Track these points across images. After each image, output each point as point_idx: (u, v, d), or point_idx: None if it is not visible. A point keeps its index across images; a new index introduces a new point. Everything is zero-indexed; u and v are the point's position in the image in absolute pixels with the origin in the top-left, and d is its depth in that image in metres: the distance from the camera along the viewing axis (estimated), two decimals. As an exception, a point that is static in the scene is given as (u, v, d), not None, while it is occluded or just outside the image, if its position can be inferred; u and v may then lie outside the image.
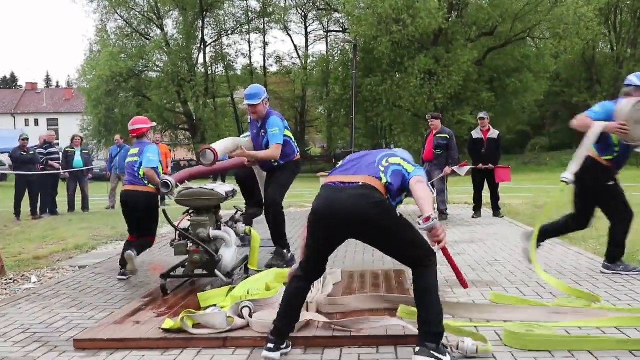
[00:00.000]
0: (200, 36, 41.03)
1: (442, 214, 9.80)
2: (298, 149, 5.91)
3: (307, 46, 44.88)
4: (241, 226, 5.23)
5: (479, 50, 31.50)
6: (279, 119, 5.53)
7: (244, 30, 43.25)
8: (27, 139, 11.67)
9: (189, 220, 4.82)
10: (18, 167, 11.37)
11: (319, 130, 47.92)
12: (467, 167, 10.09)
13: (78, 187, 12.98)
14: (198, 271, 4.80)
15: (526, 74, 32.02)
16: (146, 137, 5.59)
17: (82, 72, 39.65)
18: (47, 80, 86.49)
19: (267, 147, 5.42)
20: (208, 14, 40.90)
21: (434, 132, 9.82)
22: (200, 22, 40.53)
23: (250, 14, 42.24)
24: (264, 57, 45.18)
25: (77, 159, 13.04)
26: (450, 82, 29.10)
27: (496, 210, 9.85)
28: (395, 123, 32.76)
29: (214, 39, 42.68)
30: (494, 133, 9.77)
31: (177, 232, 4.79)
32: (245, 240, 9.37)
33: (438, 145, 9.70)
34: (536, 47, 34.02)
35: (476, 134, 9.87)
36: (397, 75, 30.88)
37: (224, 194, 4.77)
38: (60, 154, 13.07)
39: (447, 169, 9.69)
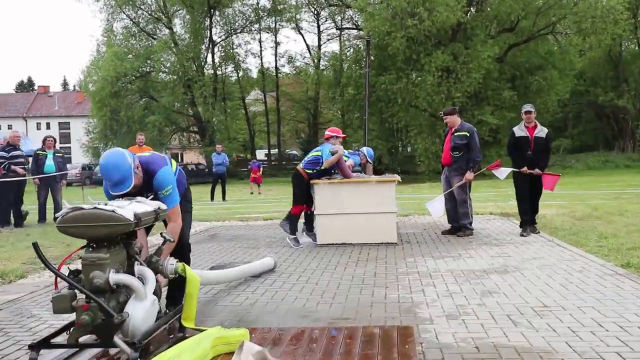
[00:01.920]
0: (208, 35, 39.61)
1: (466, 229, 8.06)
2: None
3: (319, 45, 43.26)
4: (171, 263, 3.55)
5: (500, 46, 29.56)
6: (167, 172, 3.89)
7: (253, 29, 41.82)
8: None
9: (80, 258, 3.16)
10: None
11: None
12: (507, 170, 8.30)
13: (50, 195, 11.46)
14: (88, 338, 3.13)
15: (550, 71, 30.12)
16: None
17: (88, 73, 38.41)
18: (64, 84, 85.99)
19: None
20: (216, 12, 39.46)
21: (452, 130, 8.12)
22: (208, 20, 39.09)
23: (260, 12, 40.71)
24: (276, 57, 43.65)
25: (49, 163, 11.53)
26: (469, 80, 27.23)
27: (532, 225, 8.03)
28: (411, 124, 30.95)
29: (222, 38, 41.23)
30: (541, 131, 7.87)
31: (56, 277, 3.14)
32: (308, 237, 8.00)
33: (456, 145, 8.01)
34: (558, 46, 32.07)
35: (520, 131, 7.95)
36: (413, 73, 29.08)
37: (131, 219, 3.10)
38: (27, 158, 11.55)
39: (469, 175, 7.97)
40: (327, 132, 8.26)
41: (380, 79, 29.18)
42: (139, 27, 39.58)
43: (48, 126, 61.68)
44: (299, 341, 3.45)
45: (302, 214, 8.23)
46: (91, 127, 39.93)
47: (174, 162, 4.17)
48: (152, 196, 3.67)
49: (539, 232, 7.97)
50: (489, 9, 30.67)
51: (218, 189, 18.63)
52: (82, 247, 3.22)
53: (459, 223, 8.22)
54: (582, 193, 15.36)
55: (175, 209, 3.92)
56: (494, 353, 3.31)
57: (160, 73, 39.52)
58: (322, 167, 7.82)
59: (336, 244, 7.67)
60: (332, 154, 7.70)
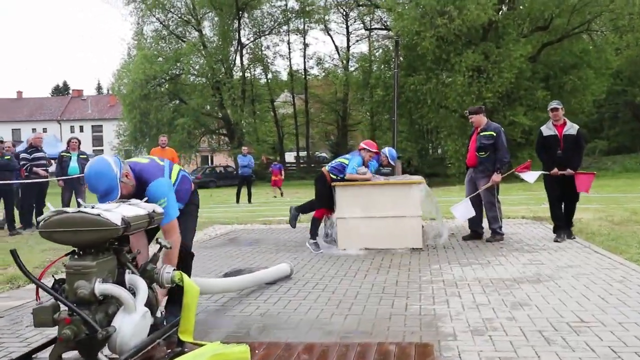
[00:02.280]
0: (237, 37, 39.63)
1: (496, 234, 7.64)
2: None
3: (348, 47, 42.95)
4: (167, 272, 3.26)
5: (533, 45, 28.77)
6: (162, 183, 3.59)
7: (282, 31, 41.71)
8: (2, 142, 10.08)
9: (65, 266, 2.89)
10: (-9, 174, 9.78)
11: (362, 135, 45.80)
12: (536, 173, 7.85)
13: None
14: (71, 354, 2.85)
15: (585, 71, 29.19)
16: None
17: (118, 76, 38.79)
18: (98, 88, 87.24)
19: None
20: (244, 14, 39.46)
21: (478, 129, 7.71)
22: (236, 22, 39.10)
23: (288, 13, 40.58)
24: (304, 58, 43.46)
25: (74, 165, 11.40)
26: (501, 80, 26.54)
27: (567, 229, 7.55)
28: (441, 125, 30.37)
29: (251, 40, 41.23)
30: (571, 128, 7.36)
31: (38, 288, 2.88)
32: (329, 238, 7.70)
33: (482, 146, 7.61)
34: (594, 44, 31.11)
35: (547, 130, 7.47)
36: (443, 73, 28.52)
37: (118, 223, 2.81)
38: (50, 160, 11.48)
39: (496, 176, 7.55)
40: (361, 144, 7.98)
41: (409, 79, 28.69)
42: (169, 30, 39.86)
43: (81, 129, 62.58)
44: (305, 358, 3.12)
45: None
46: (122, 130, 40.32)
47: (175, 168, 3.88)
48: (146, 199, 3.39)
49: (574, 238, 7.50)
50: (521, 7, 29.94)
51: (244, 191, 18.40)
52: (67, 254, 2.95)
53: (481, 228, 7.82)
54: (619, 196, 14.68)
55: (172, 224, 3.61)
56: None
57: (190, 75, 39.67)
58: (344, 177, 7.54)
59: (358, 249, 7.32)
60: (359, 172, 7.51)
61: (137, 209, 3.12)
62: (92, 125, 64.29)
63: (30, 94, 72.24)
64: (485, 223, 7.96)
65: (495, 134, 7.58)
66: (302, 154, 48.69)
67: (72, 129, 63.15)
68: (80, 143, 12.48)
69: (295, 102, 45.35)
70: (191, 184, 4.07)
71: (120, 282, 3.03)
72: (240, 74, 40.26)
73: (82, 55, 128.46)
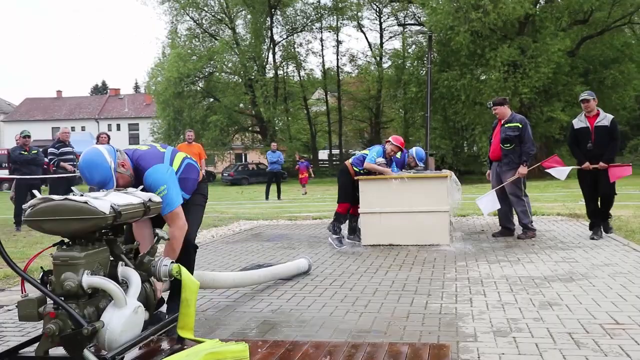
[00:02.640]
0: (269, 35, 39.62)
1: (528, 229, 7.28)
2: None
3: (381, 43, 42.47)
4: (164, 264, 3.06)
5: (571, 39, 27.90)
6: (158, 170, 3.38)
7: (314, 28, 41.48)
8: (29, 137, 10.11)
9: (52, 256, 2.72)
10: (18, 169, 9.81)
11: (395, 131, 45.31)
12: (566, 168, 7.48)
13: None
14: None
15: (627, 65, 28.20)
16: None
17: (152, 75, 39.17)
18: (136, 87, 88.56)
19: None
20: (277, 11, 39.42)
21: (502, 121, 7.38)
22: (269, 20, 39.09)
23: (320, 10, 40.35)
24: (337, 55, 43.14)
25: (101, 160, 11.41)
26: (538, 75, 25.80)
27: (604, 222, 7.12)
28: (475, 122, 29.71)
29: (283, 38, 41.17)
30: (605, 119, 6.92)
31: (23, 280, 2.71)
32: (355, 235, 7.41)
33: (507, 137, 7.30)
34: (636, 37, 30.03)
35: (579, 122, 7.08)
36: (477, 68, 27.91)
37: (106, 211, 2.63)
38: (78, 155, 11.48)
39: (522, 169, 7.21)
40: (390, 138, 7.79)
41: (443, 75, 28.19)
42: (202, 28, 40.09)
43: (118, 127, 63.56)
44: (309, 358, 2.90)
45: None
46: (156, 128, 40.71)
47: (179, 156, 3.65)
48: (142, 187, 3.20)
49: (612, 231, 7.10)
50: (559, 0, 29.09)
51: (274, 188, 18.26)
52: (55, 244, 2.79)
53: (512, 224, 7.48)
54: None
55: (175, 212, 3.40)
56: None
57: (222, 73, 39.82)
58: (362, 170, 7.30)
59: (382, 245, 7.07)
60: (378, 162, 7.24)
61: (130, 197, 2.93)
62: (129, 124, 65.18)
63: (70, 93, 73.73)
64: (516, 219, 7.60)
65: (521, 126, 7.27)
66: (335, 151, 48.44)
67: (109, 127, 64.15)
68: (109, 138, 12.50)
69: (328, 100, 45.12)
70: (199, 173, 3.84)
71: (113, 274, 2.85)
72: (273, 71, 40.23)
73: (121, 55, 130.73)
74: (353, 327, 3.69)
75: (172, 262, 3.09)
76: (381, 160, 7.30)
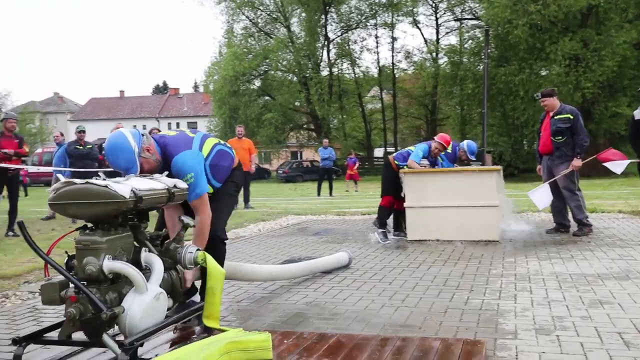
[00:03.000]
0: (323, 33, 39.62)
1: (584, 225, 6.93)
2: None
3: (437, 39, 41.75)
4: (190, 251, 3.00)
5: (638, 30, 26.61)
6: (187, 156, 3.29)
7: (369, 25, 41.19)
8: (84, 132, 10.38)
9: (76, 242, 2.70)
10: (73, 164, 10.08)
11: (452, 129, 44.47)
12: (624, 162, 7.11)
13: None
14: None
15: (701, 56, 26.67)
16: None
17: (209, 74, 39.86)
18: (195, 86, 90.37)
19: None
20: (331, 9, 39.36)
21: (550, 113, 7.07)
22: (323, 18, 39.08)
23: (375, 7, 40.02)
24: (392, 52, 42.74)
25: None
26: (601, 69, 24.73)
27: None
28: (535, 118, 28.70)
29: (338, 35, 41.06)
30: None
31: (46, 264, 2.70)
32: (400, 230, 7.27)
33: (558, 130, 6.98)
34: None
35: (639, 113, 6.78)
36: (537, 63, 27.00)
37: (126, 195, 2.59)
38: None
39: (576, 162, 6.86)
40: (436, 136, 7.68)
41: (500, 70, 27.42)
42: (257, 27, 40.48)
43: (178, 125, 65.07)
44: (336, 351, 2.79)
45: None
46: (212, 126, 41.41)
47: (210, 141, 3.56)
48: (167, 172, 3.16)
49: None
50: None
51: (326, 185, 18.21)
52: (78, 229, 2.77)
53: (567, 220, 7.13)
54: None
55: (201, 200, 3.32)
56: None
57: (277, 72, 40.08)
58: (404, 165, 7.16)
59: (428, 240, 6.87)
60: (421, 164, 7.18)
61: (153, 182, 2.88)
62: (188, 122, 66.63)
63: (133, 93, 75.93)
64: (570, 215, 7.25)
65: (572, 117, 6.94)
66: (391, 149, 47.99)
67: (169, 126, 65.84)
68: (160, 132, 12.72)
69: (384, 97, 44.75)
70: (232, 160, 3.74)
71: (136, 260, 2.81)
72: (327, 69, 40.22)
73: (181, 55, 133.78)
74: (387, 321, 3.55)
75: (197, 250, 3.03)
76: (425, 162, 7.16)
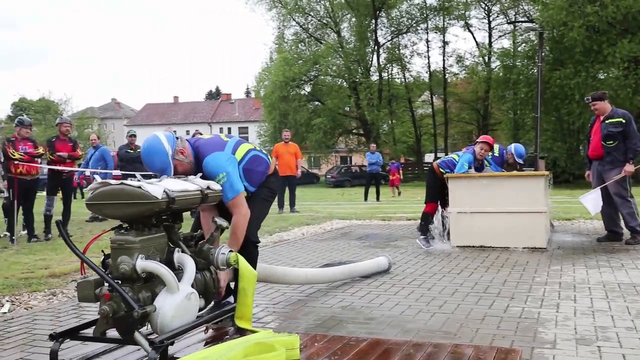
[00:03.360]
0: (373, 37, 39.54)
1: (637, 233, 6.67)
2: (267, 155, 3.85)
3: (490, 42, 41.02)
4: (222, 253, 3.04)
5: (702, 31, 25.49)
6: (217, 158, 3.35)
7: (420, 29, 40.83)
8: (135, 136, 10.67)
9: (111, 241, 2.77)
10: (124, 166, 10.38)
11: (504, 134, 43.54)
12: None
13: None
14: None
15: None
16: None
17: (259, 79, 40.38)
18: (247, 92, 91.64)
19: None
20: (382, 13, 39.24)
21: (601, 118, 6.84)
22: (374, 22, 39.01)
23: (426, 11, 39.67)
24: (443, 56, 42.19)
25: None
26: (663, 72, 23.81)
27: None
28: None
29: (388, 40, 40.90)
30: None
31: (82, 262, 2.78)
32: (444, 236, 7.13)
33: (609, 134, 6.74)
34: None
35: None
36: (594, 66, 26.16)
37: (159, 196, 2.63)
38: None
39: (629, 167, 6.62)
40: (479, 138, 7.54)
41: (555, 73, 26.69)
42: (308, 32, 40.72)
43: (229, 131, 66.08)
44: (365, 355, 2.76)
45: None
46: (262, 131, 41.88)
47: (244, 146, 3.60)
48: (200, 174, 3.20)
49: None
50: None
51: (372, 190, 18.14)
52: (113, 229, 2.84)
53: (620, 228, 6.87)
54: None
55: (237, 199, 3.36)
56: None
57: (327, 77, 40.23)
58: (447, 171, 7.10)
59: (472, 246, 6.74)
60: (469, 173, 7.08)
61: (186, 183, 2.94)
62: (239, 127, 67.60)
63: (186, 99, 77.59)
64: (622, 223, 6.98)
65: (624, 121, 6.70)
66: (441, 154, 47.40)
67: (220, 131, 67.01)
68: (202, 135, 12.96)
69: (434, 102, 44.25)
70: (267, 167, 3.77)
71: (169, 260, 2.86)
72: (377, 74, 40.10)
73: (234, 61, 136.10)
74: (421, 327, 3.49)
75: (230, 251, 3.06)
76: (473, 172, 7.04)
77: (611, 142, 6.77)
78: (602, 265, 5.44)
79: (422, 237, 7.04)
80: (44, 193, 9.25)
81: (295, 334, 2.84)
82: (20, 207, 8.47)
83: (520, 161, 8.23)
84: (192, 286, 2.86)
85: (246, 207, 3.42)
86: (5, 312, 4.24)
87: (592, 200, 6.85)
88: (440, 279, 5.01)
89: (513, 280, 4.85)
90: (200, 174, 3.19)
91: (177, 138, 3.27)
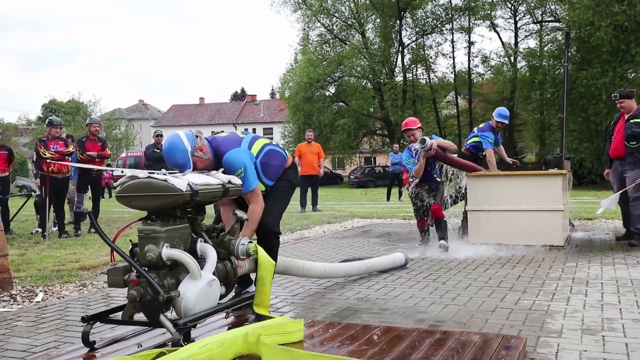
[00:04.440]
0: (398, 38, 39.53)
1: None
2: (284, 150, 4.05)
3: (516, 43, 40.70)
4: (242, 243, 3.22)
5: None
6: (237, 154, 3.57)
7: (445, 30, 40.68)
8: (161, 136, 10.94)
9: (138, 231, 2.96)
10: (151, 165, 10.65)
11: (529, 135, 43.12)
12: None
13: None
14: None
15: None
16: None
17: (284, 80, 40.68)
18: (272, 93, 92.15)
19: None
20: (406, 14, 39.22)
21: (626, 116, 6.80)
22: (398, 23, 39.00)
23: (451, 11, 39.53)
24: (469, 57, 41.94)
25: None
26: (692, 71, 23.45)
27: None
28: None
29: (412, 40, 40.84)
30: None
31: (112, 250, 2.98)
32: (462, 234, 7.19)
33: (633, 134, 6.64)
34: None
35: None
36: (621, 65, 25.85)
37: (183, 189, 2.82)
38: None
39: None
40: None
41: (581, 73, 26.45)
42: (333, 34, 40.88)
43: (254, 131, 66.54)
44: (375, 341, 2.91)
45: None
46: (287, 132, 42.18)
47: (260, 142, 3.82)
48: (222, 169, 3.40)
49: None
50: None
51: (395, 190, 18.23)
52: (141, 219, 3.05)
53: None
54: None
55: (254, 191, 3.58)
56: None
57: (351, 78, 40.35)
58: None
59: (490, 244, 6.82)
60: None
61: (208, 178, 3.13)
62: (264, 128, 68.08)
63: (212, 100, 78.34)
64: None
65: None
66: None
67: (245, 132, 67.61)
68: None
69: (459, 102, 44.06)
70: (284, 160, 3.95)
71: (192, 249, 3.05)
72: (402, 74, 40.09)
73: (259, 63, 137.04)
74: (433, 317, 3.63)
75: (249, 242, 3.24)
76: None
77: (634, 142, 6.64)
78: (617, 262, 5.50)
79: (441, 242, 6.84)
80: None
81: (300, 319, 3.02)
82: (52, 205, 8.80)
83: (504, 121, 7.69)
84: (214, 274, 3.05)
85: (262, 199, 3.64)
86: (38, 301, 4.48)
87: (609, 200, 6.81)
88: (456, 274, 5.13)
89: (527, 275, 4.95)
90: (222, 169, 3.38)
91: (196, 137, 3.47)
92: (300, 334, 2.92)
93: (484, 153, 7.53)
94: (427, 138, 6.45)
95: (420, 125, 6.89)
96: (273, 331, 2.78)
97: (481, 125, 7.93)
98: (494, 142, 7.66)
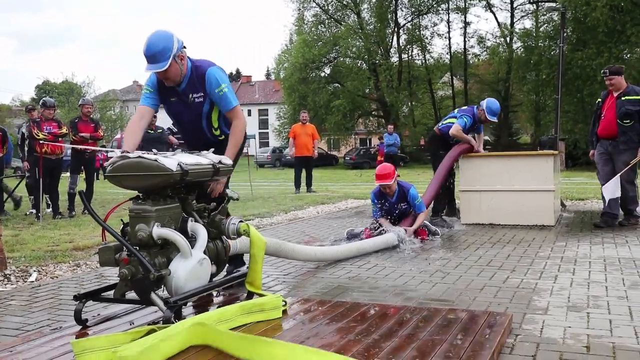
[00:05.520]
0: (394, 18, 39.32)
1: (631, 216, 6.64)
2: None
3: (512, 23, 40.51)
4: (233, 223, 3.25)
5: None
6: (220, 70, 3.61)
7: (440, 10, 40.45)
8: (155, 117, 10.88)
9: (129, 210, 2.99)
10: (144, 146, 10.54)
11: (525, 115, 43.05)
12: None
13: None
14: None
15: None
16: None
17: (279, 61, 40.49)
18: (267, 74, 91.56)
19: (207, 118, 3.68)
20: (402, -7, 39.00)
21: (615, 94, 6.65)
22: (394, 3, 38.76)
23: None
24: (464, 37, 41.79)
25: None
26: (688, 52, 23.45)
27: None
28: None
29: (408, 21, 40.62)
30: None
31: (104, 230, 3.00)
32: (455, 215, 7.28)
33: (627, 112, 6.46)
34: None
35: None
36: (617, 46, 25.82)
37: (173, 169, 2.84)
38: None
39: None
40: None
41: (577, 54, 26.42)
42: (328, 14, 40.63)
43: (249, 113, 66.36)
44: (363, 318, 2.95)
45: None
46: (282, 113, 42.08)
47: None
48: (212, 150, 3.40)
49: None
50: None
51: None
52: (132, 199, 3.07)
53: (633, 205, 6.77)
54: None
55: (236, 108, 3.62)
56: (608, 357, 2.50)
57: (347, 58, 40.19)
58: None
59: (482, 224, 6.88)
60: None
61: (199, 158, 3.15)
62: (259, 109, 67.91)
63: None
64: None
65: None
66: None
67: (241, 113, 67.32)
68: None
69: (455, 83, 43.97)
70: None
71: (183, 229, 3.08)
72: (397, 55, 39.94)
73: (255, 44, 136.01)
74: (422, 295, 3.69)
75: (240, 221, 3.27)
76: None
77: (628, 120, 6.46)
78: (606, 241, 5.57)
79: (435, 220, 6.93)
80: (68, 174, 9.58)
81: (278, 295, 3.09)
82: (46, 185, 8.80)
83: (494, 119, 7.37)
84: (205, 253, 3.08)
85: (243, 119, 3.68)
86: (32, 281, 4.52)
87: (611, 186, 6.62)
88: (446, 253, 5.19)
89: (516, 255, 5.01)
90: (212, 150, 3.39)
91: (184, 47, 3.46)
92: (278, 311, 2.97)
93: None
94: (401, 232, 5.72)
95: (395, 175, 6.03)
96: (251, 309, 2.83)
97: (464, 107, 7.69)
98: (475, 129, 7.45)
